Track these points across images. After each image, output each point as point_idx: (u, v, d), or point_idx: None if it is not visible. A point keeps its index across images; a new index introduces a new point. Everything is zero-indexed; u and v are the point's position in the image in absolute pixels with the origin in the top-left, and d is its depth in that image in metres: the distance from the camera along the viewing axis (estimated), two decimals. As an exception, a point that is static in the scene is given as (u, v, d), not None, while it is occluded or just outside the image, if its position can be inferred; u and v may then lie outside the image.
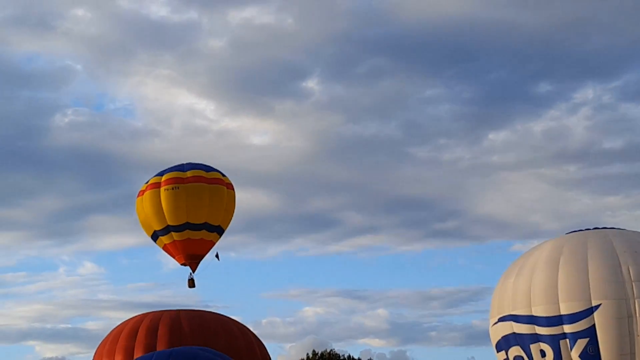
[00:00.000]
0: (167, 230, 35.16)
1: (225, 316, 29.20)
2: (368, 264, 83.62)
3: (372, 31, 78.64)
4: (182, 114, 78.68)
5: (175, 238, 35.23)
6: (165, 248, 35.81)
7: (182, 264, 35.77)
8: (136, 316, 28.22)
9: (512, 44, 78.32)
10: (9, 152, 73.61)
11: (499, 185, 79.29)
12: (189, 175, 35.38)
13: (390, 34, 78.62)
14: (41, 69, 79.94)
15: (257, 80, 77.16)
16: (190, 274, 35.83)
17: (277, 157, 76.24)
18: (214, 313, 29.21)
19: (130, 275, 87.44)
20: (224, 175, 36.52)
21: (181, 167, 35.95)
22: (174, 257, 35.95)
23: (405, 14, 75.88)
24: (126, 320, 28.23)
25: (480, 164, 78.19)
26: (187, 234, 35.06)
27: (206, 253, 36.04)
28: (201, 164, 36.46)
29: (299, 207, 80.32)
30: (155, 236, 35.79)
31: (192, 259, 35.75)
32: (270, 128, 79.87)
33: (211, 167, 36.47)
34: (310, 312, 79.03)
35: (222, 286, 79.07)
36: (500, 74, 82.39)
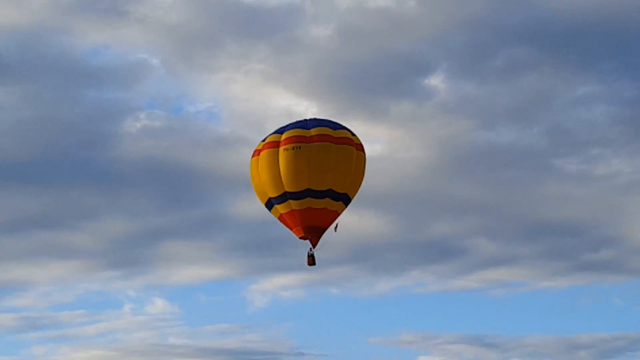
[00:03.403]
0: (284, 197, 30.95)
1: None
2: (501, 304, 71.69)
3: (512, 16, 68.33)
4: (277, 117, 65.64)
5: (294, 207, 30.97)
6: (281, 218, 31.69)
7: (300, 238, 31.57)
8: None
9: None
10: (68, 163, 63.75)
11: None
12: (313, 134, 31.02)
13: (534, 19, 67.89)
14: (110, 64, 70.55)
15: (369, 77, 65.68)
16: (310, 249, 31.56)
17: (391, 170, 63.19)
18: None
19: (209, 315, 72.84)
20: (353, 134, 31.89)
21: (304, 124, 31.62)
22: (291, 230, 31.71)
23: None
24: None
25: (643, 180, 68.07)
26: (308, 202, 30.78)
27: (329, 225, 31.64)
28: (328, 120, 32.04)
29: (417, 232, 67.66)
30: (269, 204, 31.61)
31: (312, 232, 31.40)
32: (383, 135, 66.94)
33: (339, 125, 31.91)
34: (428, 362, 69.94)
35: (321, 329, 68.40)
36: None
